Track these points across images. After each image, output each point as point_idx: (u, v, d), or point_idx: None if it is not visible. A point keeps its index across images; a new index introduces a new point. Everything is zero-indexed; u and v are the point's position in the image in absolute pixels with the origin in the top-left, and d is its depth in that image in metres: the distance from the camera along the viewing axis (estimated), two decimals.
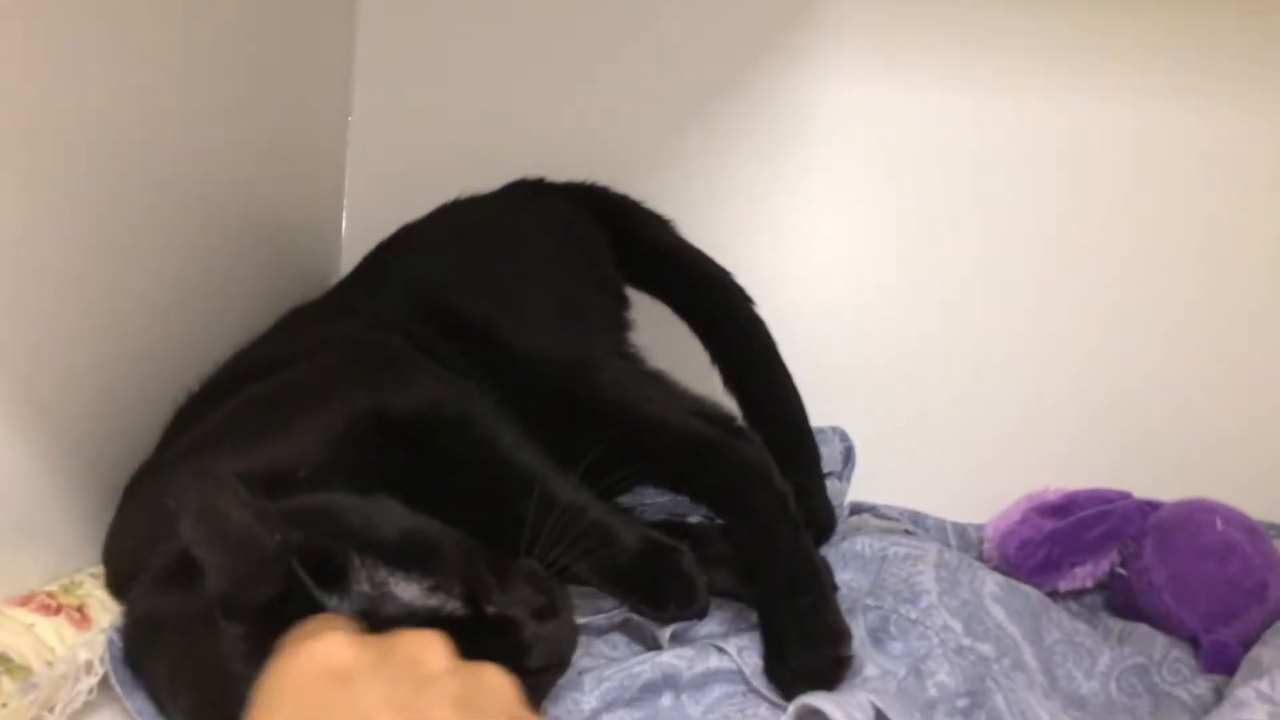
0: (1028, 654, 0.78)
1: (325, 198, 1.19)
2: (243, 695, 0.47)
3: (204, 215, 0.92)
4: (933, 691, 0.74)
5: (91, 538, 0.75)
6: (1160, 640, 0.85)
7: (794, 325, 0.98)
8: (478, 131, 1.17)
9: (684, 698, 0.72)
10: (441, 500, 0.64)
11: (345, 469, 0.64)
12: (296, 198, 1.12)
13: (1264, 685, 0.69)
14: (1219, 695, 0.77)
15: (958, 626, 0.78)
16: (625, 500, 0.90)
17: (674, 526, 0.86)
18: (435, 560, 0.57)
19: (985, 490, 1.03)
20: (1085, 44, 1.07)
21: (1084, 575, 0.92)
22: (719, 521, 0.85)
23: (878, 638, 0.79)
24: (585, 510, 0.70)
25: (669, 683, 0.72)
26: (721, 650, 0.74)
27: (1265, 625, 0.83)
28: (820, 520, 0.90)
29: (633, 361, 0.90)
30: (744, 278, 0.97)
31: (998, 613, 0.80)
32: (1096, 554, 0.92)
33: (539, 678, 0.61)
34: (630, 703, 0.71)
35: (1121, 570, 0.92)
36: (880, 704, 0.66)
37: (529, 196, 0.99)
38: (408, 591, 0.56)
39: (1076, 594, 0.95)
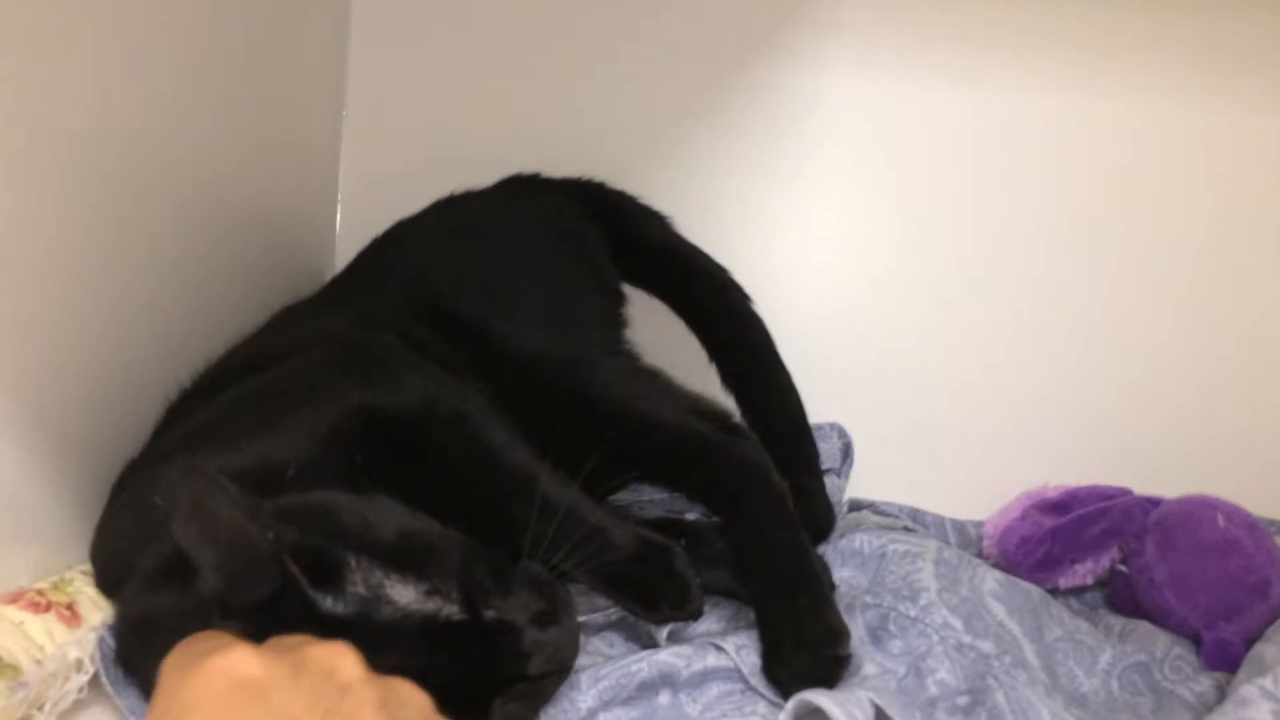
0: (1028, 651, 0.78)
1: (319, 194, 1.18)
2: None
3: (197, 211, 0.91)
4: (933, 689, 0.74)
5: (82, 535, 0.75)
6: (1162, 638, 0.84)
7: (792, 322, 0.97)
8: (472, 127, 1.17)
9: (681, 696, 0.72)
10: (434, 499, 0.63)
11: (336, 467, 0.64)
12: (290, 194, 1.12)
13: (1268, 682, 0.68)
14: (1221, 693, 0.77)
15: (958, 624, 0.78)
16: (622, 497, 0.90)
17: (671, 524, 0.85)
18: (433, 563, 0.57)
19: (985, 487, 1.02)
20: (1083, 40, 1.06)
21: (1084, 572, 0.92)
22: (716, 519, 0.84)
23: (877, 635, 0.78)
24: (578, 510, 0.69)
25: (666, 681, 0.71)
26: (719, 648, 0.73)
27: (1267, 622, 0.83)
28: (819, 519, 0.90)
29: (629, 359, 0.89)
30: (741, 274, 0.97)
31: (998, 610, 0.80)
32: (1097, 551, 0.91)
33: (540, 684, 0.61)
34: (627, 701, 0.70)
35: (1122, 567, 0.91)
36: (880, 702, 0.65)
37: (524, 193, 0.99)
38: (404, 594, 0.55)
39: (1077, 591, 0.94)
